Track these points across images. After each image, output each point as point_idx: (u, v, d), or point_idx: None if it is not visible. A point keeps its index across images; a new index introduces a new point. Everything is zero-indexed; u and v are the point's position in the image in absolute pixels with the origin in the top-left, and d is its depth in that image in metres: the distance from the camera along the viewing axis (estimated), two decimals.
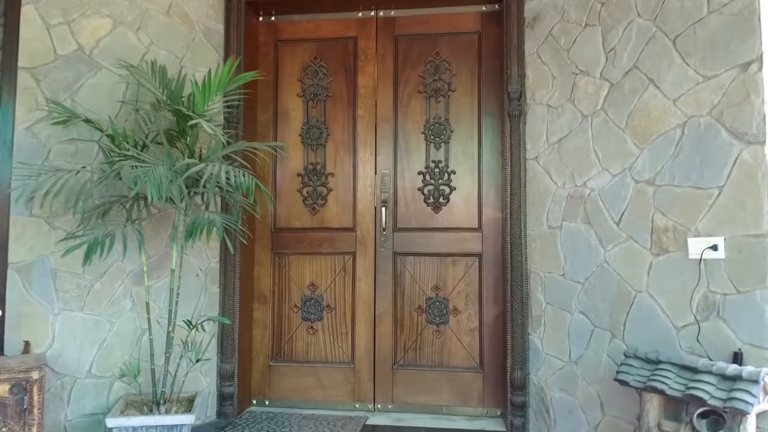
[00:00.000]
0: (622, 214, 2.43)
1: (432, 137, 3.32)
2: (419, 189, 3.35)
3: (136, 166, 2.14)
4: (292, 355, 3.31)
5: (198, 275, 3.04)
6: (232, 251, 3.02)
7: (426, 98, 3.34)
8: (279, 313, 3.33)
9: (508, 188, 2.97)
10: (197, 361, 2.63)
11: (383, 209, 3.30)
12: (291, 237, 3.33)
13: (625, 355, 2.20)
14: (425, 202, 3.33)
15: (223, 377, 3.08)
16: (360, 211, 3.29)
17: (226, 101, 2.96)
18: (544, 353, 2.82)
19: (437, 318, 3.26)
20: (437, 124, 3.31)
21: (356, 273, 3.28)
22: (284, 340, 3.32)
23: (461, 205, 3.27)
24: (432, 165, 3.32)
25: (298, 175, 3.35)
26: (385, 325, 3.33)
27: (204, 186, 2.33)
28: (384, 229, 3.28)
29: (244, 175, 2.31)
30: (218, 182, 2.25)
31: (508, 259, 2.96)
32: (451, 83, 3.31)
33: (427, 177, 3.33)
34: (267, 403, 3.29)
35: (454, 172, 3.29)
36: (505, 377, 3.04)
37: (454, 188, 3.28)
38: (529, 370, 2.90)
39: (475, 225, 3.23)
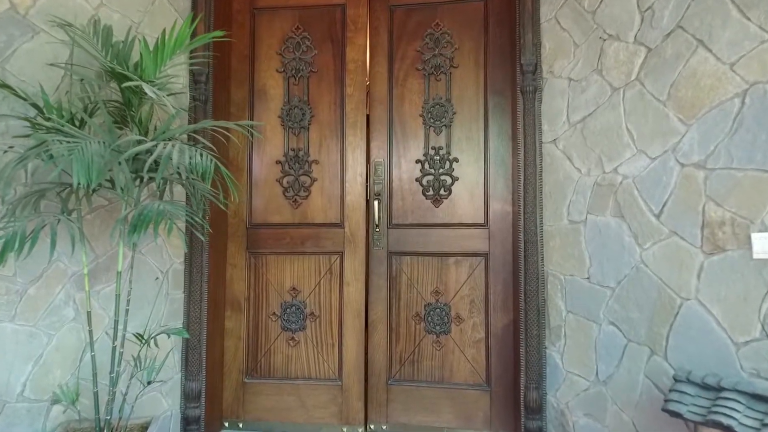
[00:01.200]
0: (664, 205, 2.00)
1: (431, 121, 2.89)
2: (417, 180, 2.92)
3: (62, 142, 1.69)
4: (270, 370, 2.87)
5: (157, 278, 2.59)
6: (185, 249, 2.58)
7: (425, 76, 2.91)
8: (255, 321, 2.89)
9: (521, 177, 2.54)
10: (149, 383, 2.18)
11: (376, 203, 2.88)
12: (269, 234, 2.89)
13: (675, 379, 1.77)
14: (424, 194, 2.90)
15: (188, 397, 2.62)
16: (349, 204, 2.85)
17: (192, 66, 2.52)
18: (564, 371, 2.39)
19: (437, 327, 2.83)
20: (437, 106, 2.89)
21: (344, 276, 2.83)
22: (261, 353, 2.88)
23: (465, 198, 2.84)
24: (432, 152, 2.90)
25: (278, 162, 2.90)
26: (379, 334, 2.91)
27: (151, 169, 1.89)
28: (377, 226, 2.87)
29: (201, 156, 1.87)
30: (183, 166, 1.81)
31: (520, 260, 2.53)
32: (453, 58, 2.88)
33: (426, 166, 2.91)
34: (241, 425, 2.84)
35: (456, 160, 2.86)
36: (516, 397, 2.61)
37: (457, 178, 2.85)
38: (546, 390, 2.46)
39: (481, 220, 2.80)
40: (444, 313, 2.83)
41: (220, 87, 2.82)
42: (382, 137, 2.98)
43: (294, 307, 2.86)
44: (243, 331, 2.88)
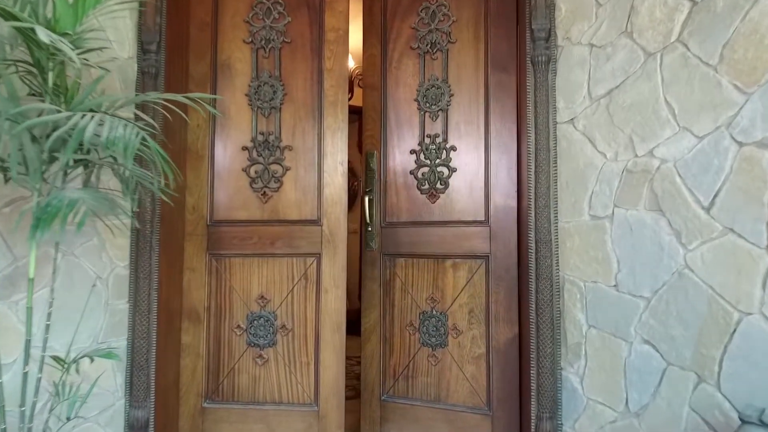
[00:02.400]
0: (716, 195, 1.60)
1: (427, 105, 2.50)
2: (411, 172, 2.53)
3: None
4: (235, 393, 2.43)
5: (94, 285, 2.15)
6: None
7: (420, 56, 2.53)
8: (217, 336, 2.45)
9: (532, 165, 2.12)
10: (68, 419, 1.74)
11: (367, 199, 2.55)
12: (233, 233, 2.45)
13: (744, 420, 1.36)
14: (419, 188, 2.50)
15: (132, 428, 2.18)
16: (328, 198, 2.43)
17: (141, 32, 2.09)
18: (585, 398, 1.97)
19: (433, 339, 2.43)
20: (433, 88, 2.49)
21: (322, 282, 2.41)
22: (224, 373, 2.44)
23: (463, 192, 2.43)
24: (427, 140, 2.50)
25: (244, 148, 2.47)
26: (372, 345, 2.57)
27: (77, 149, 1.47)
28: (369, 225, 2.56)
29: (125, 127, 1.43)
30: (102, 142, 1.37)
31: (530, 263, 2.11)
32: (450, 33, 2.48)
33: (421, 156, 2.51)
34: None
35: (454, 149, 2.45)
36: (523, 425, 2.20)
37: (455, 170, 2.44)
38: (562, 420, 2.05)
39: (481, 217, 2.39)
40: (440, 323, 2.43)
41: (175, 59, 2.39)
42: (375, 126, 2.62)
43: (262, 319, 2.42)
44: (203, 347, 2.44)
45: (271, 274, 2.43)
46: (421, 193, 2.50)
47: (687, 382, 1.66)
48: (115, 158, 1.79)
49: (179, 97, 1.86)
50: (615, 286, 1.88)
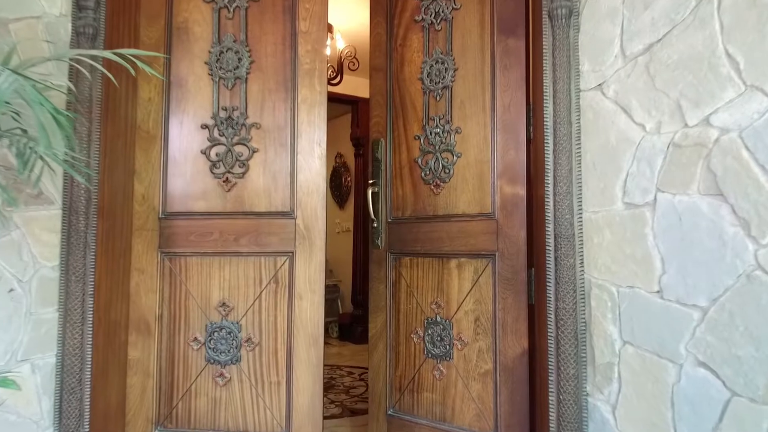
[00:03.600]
0: None
1: (431, 84, 2.15)
2: (416, 160, 2.18)
3: None
4: (191, 418, 2.03)
5: (12, 290, 1.75)
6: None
7: (424, 28, 2.18)
8: (170, 350, 2.05)
9: (550, 143, 1.73)
10: None
11: (370, 192, 2.25)
12: (191, 227, 2.05)
13: None
14: (423, 178, 2.14)
15: None
16: (303, 185, 2.03)
17: None
18: None
19: (437, 349, 2.07)
20: (437, 63, 2.14)
21: (295, 286, 2.01)
22: (178, 395, 2.04)
23: (469, 180, 2.04)
24: (431, 124, 2.14)
25: (204, 127, 2.08)
26: (378, 354, 2.26)
27: None
28: (375, 221, 2.25)
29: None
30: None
31: (548, 263, 1.71)
32: None
33: (424, 142, 2.16)
34: None
35: (458, 131, 2.07)
36: None
37: (459, 155, 2.06)
38: None
39: (487, 209, 2.00)
40: (445, 332, 2.06)
41: (121, 20, 2.00)
42: (381, 111, 2.31)
43: (224, 331, 2.02)
44: (153, 364, 2.04)
45: (234, 277, 2.03)
46: (425, 184, 2.15)
47: (760, 419, 1.26)
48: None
49: (107, 54, 1.47)
50: (658, 292, 1.48)
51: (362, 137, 5.45)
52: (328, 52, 3.96)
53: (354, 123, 5.52)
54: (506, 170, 1.98)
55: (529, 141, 1.95)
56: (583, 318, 1.66)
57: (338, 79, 3.79)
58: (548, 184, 1.72)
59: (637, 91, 1.56)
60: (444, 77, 2.12)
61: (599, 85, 1.66)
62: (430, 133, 2.14)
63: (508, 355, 1.95)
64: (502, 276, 1.95)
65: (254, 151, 2.05)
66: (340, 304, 5.70)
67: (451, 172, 2.08)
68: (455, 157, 2.07)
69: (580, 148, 1.69)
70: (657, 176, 1.50)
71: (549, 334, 1.70)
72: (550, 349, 1.70)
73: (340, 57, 3.79)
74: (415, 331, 2.15)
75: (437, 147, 2.12)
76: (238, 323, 2.02)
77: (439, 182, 2.10)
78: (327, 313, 5.81)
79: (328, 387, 3.66)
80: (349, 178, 5.85)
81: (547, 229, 1.72)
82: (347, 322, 5.51)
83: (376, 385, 2.27)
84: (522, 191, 1.95)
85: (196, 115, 2.08)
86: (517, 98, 1.98)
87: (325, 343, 5.09)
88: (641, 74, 1.55)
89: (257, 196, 2.04)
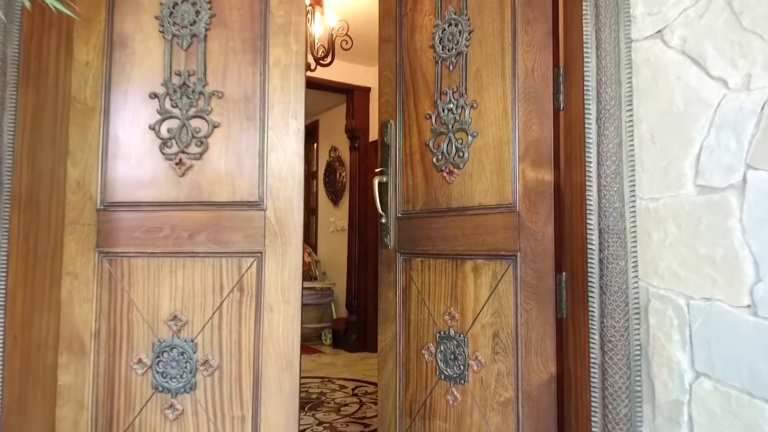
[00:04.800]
0: None
1: (443, 51, 1.78)
2: (427, 144, 1.81)
3: None
4: None
5: None
6: None
7: None
8: (109, 374, 1.64)
9: (592, 110, 1.33)
10: None
11: (377, 182, 1.90)
12: (136, 221, 1.65)
13: None
14: (435, 164, 1.77)
15: None
16: (275, 168, 1.63)
17: None
18: None
19: (451, 370, 1.70)
20: (450, 26, 1.79)
21: (264, 294, 1.60)
22: (119, 430, 1.63)
23: (486, 165, 1.65)
24: (444, 98, 1.78)
25: (153, 96, 1.67)
26: (388, 370, 1.91)
27: None
28: (383, 216, 1.91)
29: None
30: None
31: (589, 266, 1.31)
32: None
33: (435, 121, 1.79)
34: None
35: (473, 105, 1.69)
36: None
37: (475, 134, 1.68)
38: None
39: (507, 199, 1.60)
40: (459, 349, 1.68)
41: None
42: (391, 88, 1.95)
43: (175, 350, 1.62)
44: (89, 391, 1.63)
45: (189, 284, 1.62)
46: (438, 171, 1.77)
47: None
48: None
49: None
50: (750, 306, 1.08)
51: (358, 129, 5.05)
52: (318, 30, 3.57)
53: (349, 114, 5.12)
54: (529, 150, 1.58)
55: (556, 112, 1.55)
56: (638, 340, 1.25)
57: (329, 59, 3.39)
58: (590, 163, 1.32)
59: (715, 34, 1.15)
60: (458, 42, 1.75)
61: (659, 31, 1.25)
62: (443, 110, 1.76)
63: (531, 382, 1.55)
64: (524, 282, 1.55)
65: (215, 126, 1.64)
66: (333, 308, 5.30)
67: (466, 155, 1.69)
68: (470, 138, 1.68)
69: (632, 115, 1.29)
70: (747, 149, 1.09)
71: (592, 359, 1.29)
72: (593, 379, 1.29)
73: (331, 35, 3.39)
74: (427, 347, 1.78)
75: (450, 126, 1.74)
76: (192, 341, 1.61)
77: (452, 168, 1.72)
78: (320, 319, 5.42)
79: (316, 404, 3.25)
80: (344, 173, 5.45)
81: (588, 222, 1.31)
82: (341, 328, 5.11)
83: (385, 408, 1.93)
84: (548, 176, 1.55)
85: (144, 82, 1.68)
86: (542, 60, 1.58)
87: (318, 351, 4.69)
88: (721, 11, 1.14)
89: (218, 182, 1.64)
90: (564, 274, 1.49)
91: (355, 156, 5.09)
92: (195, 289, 1.61)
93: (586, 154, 1.33)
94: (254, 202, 1.62)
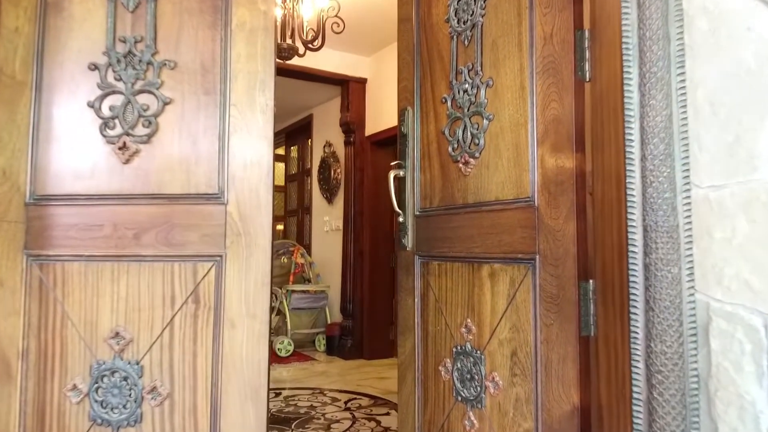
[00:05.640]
0: None
1: (458, 24, 1.53)
2: (443, 131, 1.56)
3: None
4: None
5: None
6: None
7: None
8: (39, 402, 1.36)
9: (633, 74, 1.04)
10: None
11: (392, 175, 1.65)
12: (71, 218, 1.37)
13: None
14: (451, 154, 1.53)
15: None
16: (239, 154, 1.35)
17: None
18: None
19: (467, 391, 1.45)
20: None
21: (224, 306, 1.32)
22: None
23: (502, 151, 1.40)
24: (459, 78, 1.54)
25: (93, 67, 1.39)
26: (407, 388, 1.65)
27: None
28: (401, 215, 1.66)
29: None
30: None
31: (631, 275, 1.03)
32: None
33: (451, 105, 1.54)
34: None
35: (489, 84, 1.44)
36: None
37: (491, 117, 1.42)
38: None
39: (525, 191, 1.34)
40: (476, 367, 1.43)
41: None
42: (409, 71, 1.71)
43: (117, 375, 1.33)
44: (14, 423, 1.35)
45: (134, 294, 1.34)
46: (454, 162, 1.53)
47: None
48: None
49: None
50: None
51: (353, 122, 4.78)
52: (307, 12, 3.29)
53: (344, 106, 4.84)
54: (548, 132, 1.30)
55: (579, 85, 1.27)
56: (695, 370, 0.97)
57: (319, 42, 3.10)
58: (630, 143, 1.03)
59: None
60: (473, 11, 1.50)
61: None
62: (458, 92, 1.52)
63: (552, 412, 1.27)
64: (544, 291, 1.27)
65: (166, 103, 1.36)
66: (328, 313, 5.01)
67: (482, 142, 1.44)
68: (486, 121, 1.43)
69: (684, 80, 1.00)
70: None
71: (635, 394, 1.01)
72: (636, 420, 1.00)
73: (321, 16, 3.11)
74: (444, 363, 1.53)
75: (466, 109, 1.49)
76: (138, 364, 1.33)
77: (468, 158, 1.47)
78: (313, 324, 5.13)
79: (304, 420, 2.96)
80: (338, 170, 5.16)
81: (629, 218, 1.03)
82: (336, 334, 4.82)
83: (404, 430, 1.70)
84: (569, 162, 1.27)
85: (82, 52, 1.40)
86: (562, 22, 1.30)
87: (311, 358, 4.41)
88: None
89: (169, 171, 1.35)
90: (591, 282, 1.20)
91: (350, 151, 4.81)
92: (141, 301, 1.33)
93: (626, 131, 1.04)
94: (213, 194, 1.34)
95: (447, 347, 1.50)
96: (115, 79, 1.37)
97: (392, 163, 1.73)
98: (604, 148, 1.18)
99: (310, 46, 3.06)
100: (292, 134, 6.42)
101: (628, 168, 1.03)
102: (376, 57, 4.72)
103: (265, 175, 1.33)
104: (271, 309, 5.17)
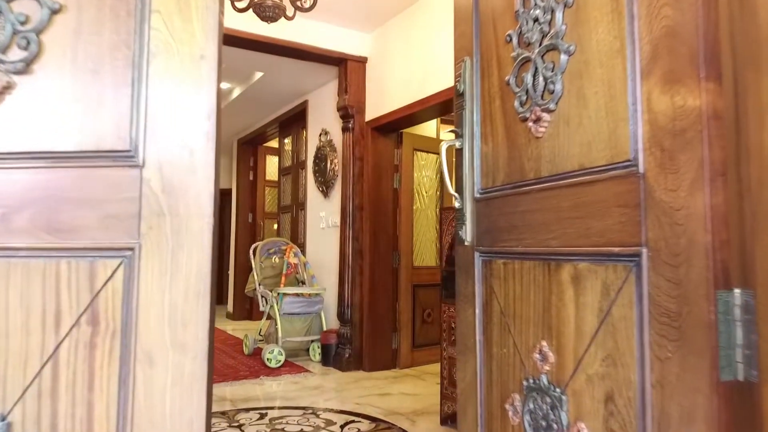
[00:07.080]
0: None
1: None
2: (507, 81, 1.11)
3: None
4: None
5: None
6: None
7: None
8: None
9: None
10: None
11: (444, 147, 1.22)
12: None
13: None
14: (518, 111, 1.08)
15: None
16: (162, 90, 0.86)
17: None
18: None
19: None
20: None
21: (135, 331, 0.83)
22: None
23: (588, 96, 0.97)
24: (528, 3, 1.09)
25: None
26: (468, 424, 1.22)
27: None
28: (457, 199, 1.23)
29: None
30: None
31: None
32: None
33: (519, 43, 1.10)
34: None
35: (567, 2, 0.97)
36: None
37: (571, 49, 0.99)
38: None
39: (624, 152, 0.87)
40: (554, 411, 0.98)
41: None
42: (467, 22, 1.27)
43: None
44: None
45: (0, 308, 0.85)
46: (521, 121, 1.08)
47: None
48: None
49: None
50: None
51: (352, 106, 4.29)
52: None
53: (341, 89, 4.35)
54: (658, 54, 0.84)
55: None
56: None
57: (311, 1, 2.61)
58: None
59: None
60: None
61: None
62: (526, 22, 1.07)
63: None
64: (656, 305, 0.80)
65: (54, 11, 0.87)
66: (323, 319, 4.52)
67: (559, 87, 1.00)
68: (564, 56, 0.98)
69: None
70: None
71: None
72: None
73: None
74: (512, 400, 1.09)
75: (537, 44, 1.05)
76: (3, 420, 0.84)
77: (540, 112, 1.03)
78: (307, 331, 4.63)
79: None
80: (335, 160, 4.67)
81: None
82: (332, 342, 4.32)
83: None
84: (695, 99, 0.80)
85: None
86: None
87: (304, 369, 3.86)
88: None
89: (57, 116, 0.87)
90: (737, 292, 0.73)
91: (348, 138, 4.31)
92: (10, 321, 0.84)
93: None
94: (122, 151, 0.85)
95: (516, 378, 1.03)
96: None
97: (447, 130, 1.25)
98: (761, 68, 0.71)
99: (299, 4, 2.57)
100: (285, 124, 5.93)
101: None
102: (378, 33, 4.23)
103: (204, 122, 0.84)
104: (261, 313, 4.65)
